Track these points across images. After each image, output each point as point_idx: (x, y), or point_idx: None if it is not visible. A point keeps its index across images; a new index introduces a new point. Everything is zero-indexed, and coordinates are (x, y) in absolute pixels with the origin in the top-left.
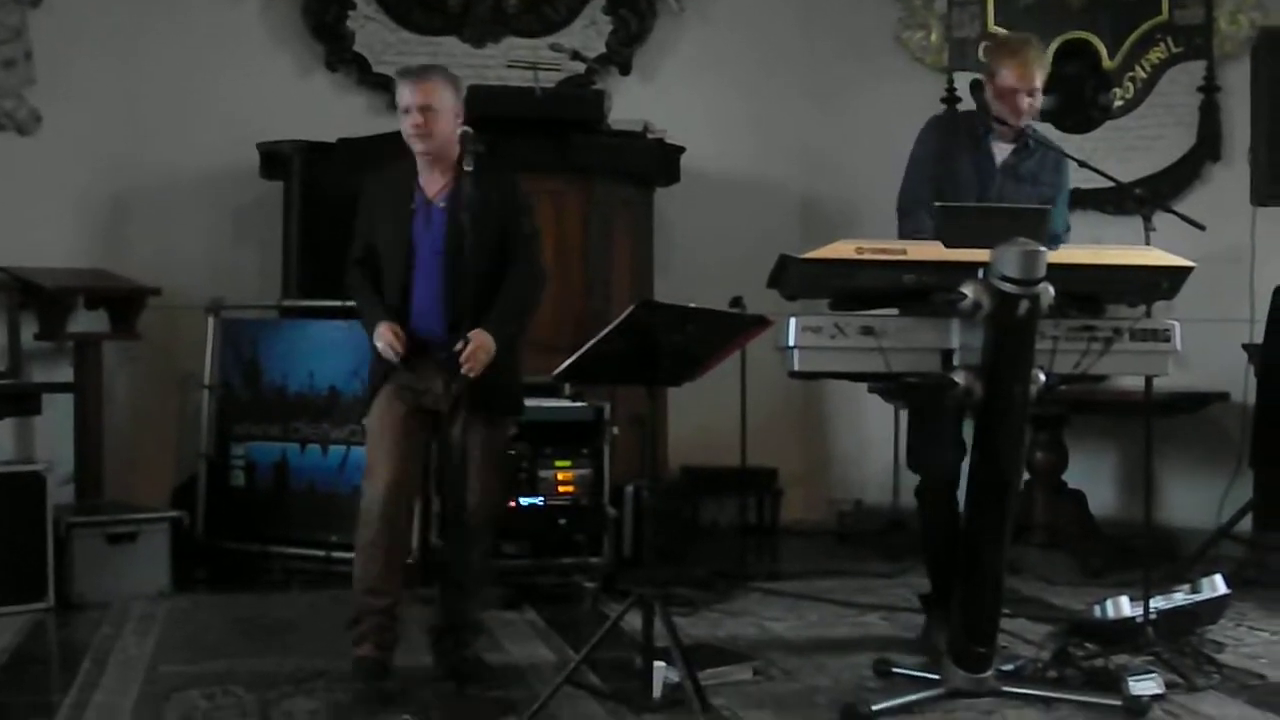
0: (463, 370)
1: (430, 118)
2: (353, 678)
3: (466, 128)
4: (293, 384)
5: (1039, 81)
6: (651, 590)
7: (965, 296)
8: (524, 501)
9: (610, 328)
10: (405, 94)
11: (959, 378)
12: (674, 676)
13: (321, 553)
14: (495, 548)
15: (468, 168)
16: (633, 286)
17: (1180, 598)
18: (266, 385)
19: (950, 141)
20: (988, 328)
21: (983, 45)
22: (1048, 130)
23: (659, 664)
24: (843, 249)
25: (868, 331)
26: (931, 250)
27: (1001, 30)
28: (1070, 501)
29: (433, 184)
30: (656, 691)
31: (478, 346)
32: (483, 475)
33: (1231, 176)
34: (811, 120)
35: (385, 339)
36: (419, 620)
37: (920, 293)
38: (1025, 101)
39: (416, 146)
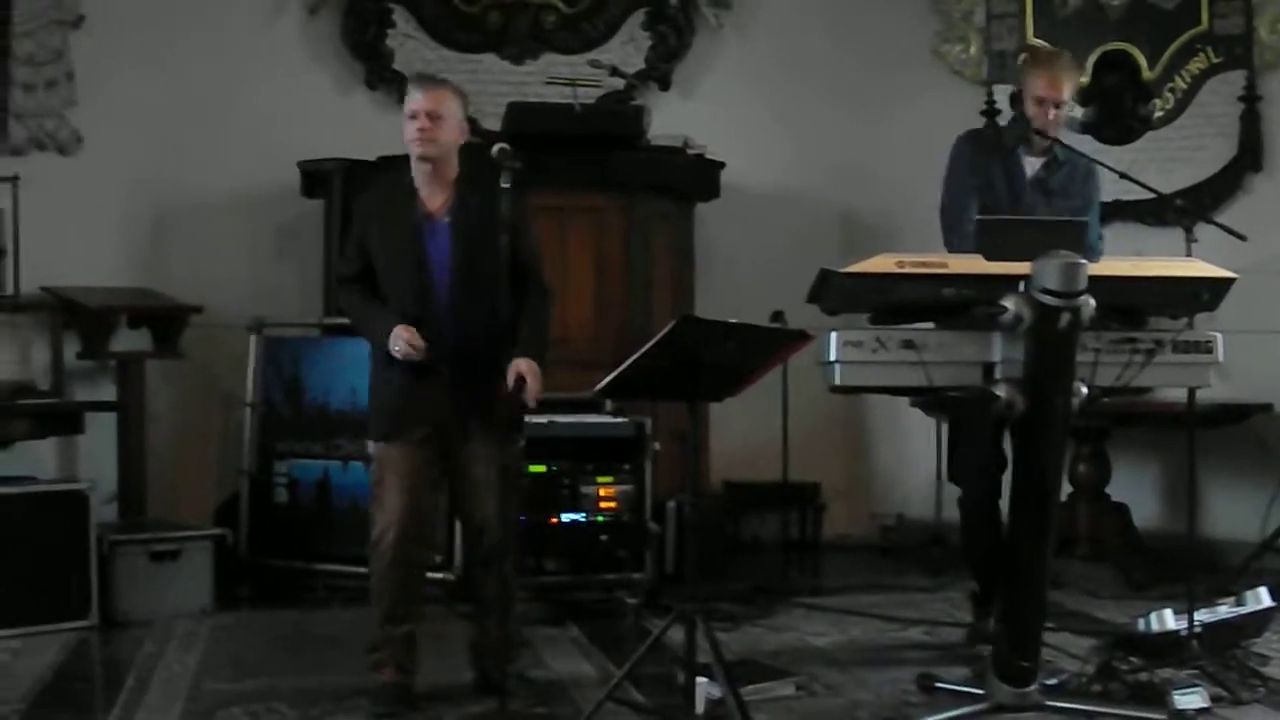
0: (527, 403)
1: (436, 124)
2: (376, 702)
3: (504, 145)
4: (335, 401)
5: (1067, 94)
6: (693, 606)
7: (1006, 309)
8: (566, 517)
9: (652, 343)
10: (414, 99)
11: (1000, 391)
12: (716, 692)
13: (364, 570)
14: (536, 563)
15: (505, 184)
16: (673, 302)
17: (1225, 611)
18: (308, 403)
19: (981, 156)
20: (1029, 341)
21: (1020, 57)
22: (1087, 142)
23: (701, 680)
24: (883, 263)
25: (909, 345)
26: (972, 263)
27: (1040, 42)
28: (1113, 514)
29: (434, 199)
30: (699, 707)
31: (535, 377)
32: (497, 493)
33: (1273, 186)
34: (851, 134)
35: (403, 340)
36: (460, 637)
37: (961, 306)
38: (1052, 113)
39: (416, 151)
